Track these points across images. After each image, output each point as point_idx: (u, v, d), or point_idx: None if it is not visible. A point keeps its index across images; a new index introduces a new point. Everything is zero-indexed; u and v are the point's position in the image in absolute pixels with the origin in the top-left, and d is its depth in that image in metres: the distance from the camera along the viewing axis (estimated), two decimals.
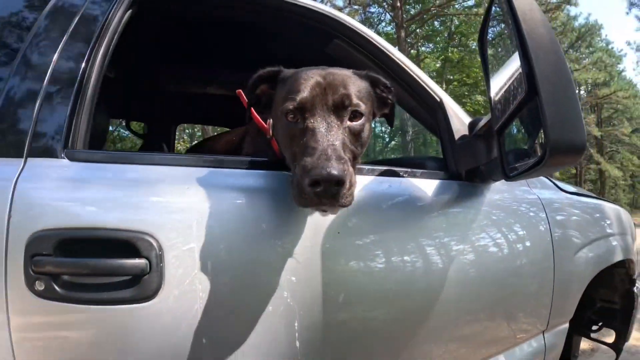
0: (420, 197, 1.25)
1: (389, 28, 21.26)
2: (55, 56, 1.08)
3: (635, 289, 2.39)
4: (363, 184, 1.16)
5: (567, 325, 1.87)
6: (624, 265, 2.35)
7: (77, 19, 1.14)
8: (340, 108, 0.97)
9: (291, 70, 1.09)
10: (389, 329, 1.24)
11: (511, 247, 1.49)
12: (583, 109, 28.97)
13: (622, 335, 2.45)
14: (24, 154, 0.98)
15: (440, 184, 1.31)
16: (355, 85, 1.03)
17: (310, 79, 0.99)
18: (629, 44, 37.45)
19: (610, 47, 29.50)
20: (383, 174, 1.24)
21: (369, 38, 1.47)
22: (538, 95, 0.92)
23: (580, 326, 2.49)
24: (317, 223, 1.07)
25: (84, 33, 1.13)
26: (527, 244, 1.56)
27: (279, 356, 1.04)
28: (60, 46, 1.10)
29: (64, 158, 0.99)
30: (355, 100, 0.98)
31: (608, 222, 2.21)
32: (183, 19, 1.84)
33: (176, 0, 1.53)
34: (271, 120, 1.18)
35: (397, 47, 1.84)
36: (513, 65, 1.07)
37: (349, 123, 0.98)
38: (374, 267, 1.17)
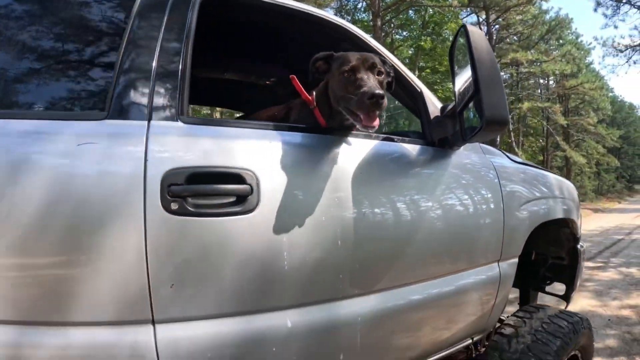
0: (407, 156, 1.84)
1: (364, 16, 21.70)
2: (159, 44, 1.47)
3: (579, 246, 2.93)
4: (371, 145, 1.73)
5: (516, 260, 2.39)
6: (568, 225, 2.90)
7: (167, 15, 1.52)
8: (372, 68, 1.57)
9: (340, 52, 1.67)
10: (377, 257, 1.73)
11: (470, 196, 2.05)
12: (550, 98, 29.80)
13: (570, 287, 3.00)
14: (147, 118, 1.34)
15: (421, 148, 1.88)
16: (377, 58, 1.64)
17: (355, 54, 1.60)
18: (595, 39, 38.46)
19: (579, 40, 30.41)
20: (384, 139, 1.81)
21: (368, 42, 1.98)
22: (479, 91, 1.54)
23: (536, 282, 3.08)
24: (337, 170, 1.59)
25: (177, 29, 1.52)
26: (483, 195, 2.10)
27: (325, 252, 1.54)
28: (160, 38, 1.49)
29: (178, 121, 1.37)
30: (379, 65, 1.60)
31: (551, 187, 2.75)
32: (224, 19, 2.15)
33: (227, 7, 1.91)
34: (315, 93, 1.76)
35: (372, 35, 2.33)
36: (467, 73, 1.67)
37: (377, 77, 1.57)
38: (376, 211, 1.69)
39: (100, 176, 1.26)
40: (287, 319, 1.48)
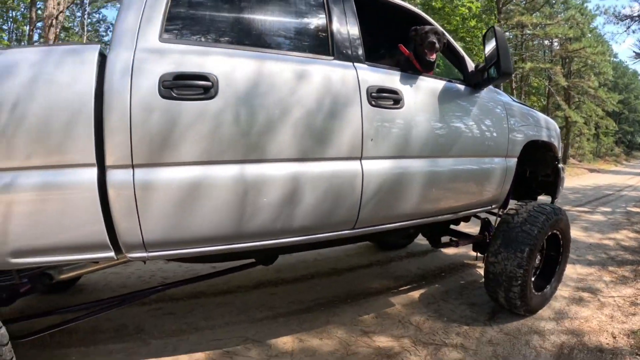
0: (459, 89, 3.31)
1: None
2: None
3: (559, 165, 4.29)
4: (441, 82, 3.17)
5: (516, 159, 3.69)
6: (552, 149, 4.21)
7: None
8: (436, 34, 3.05)
9: (422, 26, 3.09)
10: (437, 137, 3.00)
11: (490, 115, 3.52)
12: (553, 60, 30.75)
13: (554, 197, 4.41)
14: (352, 60, 2.65)
15: (464, 87, 3.37)
16: (439, 30, 3.11)
17: (429, 27, 3.08)
18: (598, 7, 38.79)
19: (585, 5, 31.02)
20: (447, 81, 3.24)
21: (434, 23, 3.34)
22: (499, 59, 3.08)
23: (529, 194, 4.57)
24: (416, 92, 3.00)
25: (351, 12, 2.77)
26: (496, 115, 3.53)
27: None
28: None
29: (365, 63, 2.71)
30: (439, 34, 3.09)
31: (538, 120, 4.12)
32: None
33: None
34: (411, 51, 3.07)
35: None
36: (490, 47, 3.23)
37: (437, 40, 3.05)
38: (430, 121, 3.00)
39: (333, 83, 2.54)
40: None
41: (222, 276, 3.41)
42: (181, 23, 2.33)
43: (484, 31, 20.34)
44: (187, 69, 2.16)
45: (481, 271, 4.73)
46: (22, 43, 32.97)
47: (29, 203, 1.98)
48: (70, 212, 2.01)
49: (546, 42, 32.18)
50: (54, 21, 12.42)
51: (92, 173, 2.00)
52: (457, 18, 19.24)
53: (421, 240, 5.89)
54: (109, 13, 37.35)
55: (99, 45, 2.13)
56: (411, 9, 3.40)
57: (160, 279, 4.47)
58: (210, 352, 2.97)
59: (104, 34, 35.55)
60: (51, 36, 12.26)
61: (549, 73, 28.96)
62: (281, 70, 2.40)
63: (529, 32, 26.91)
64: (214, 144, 2.18)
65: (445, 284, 4.47)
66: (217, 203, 2.21)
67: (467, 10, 19.01)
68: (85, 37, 24.92)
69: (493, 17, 22.30)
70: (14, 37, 28.92)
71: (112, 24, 34.74)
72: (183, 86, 2.12)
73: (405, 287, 4.38)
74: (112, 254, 2.12)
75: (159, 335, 3.23)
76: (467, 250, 5.43)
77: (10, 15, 28.44)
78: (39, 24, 16.50)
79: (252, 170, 2.28)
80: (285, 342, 3.15)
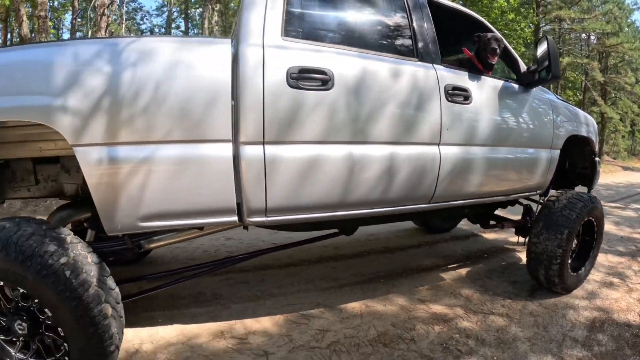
0: (514, 88, 3.79)
1: None
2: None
3: (595, 158, 4.76)
4: (500, 82, 3.66)
5: (559, 151, 4.12)
6: (589, 143, 4.64)
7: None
8: (496, 41, 3.56)
9: (485, 33, 3.60)
10: (474, 164, 3.39)
11: (539, 111, 3.99)
12: (590, 55, 30.55)
13: (590, 188, 4.76)
14: (432, 62, 3.14)
15: (518, 86, 3.84)
16: (498, 36, 3.60)
17: (490, 34, 3.57)
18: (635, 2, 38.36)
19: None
20: (505, 80, 3.73)
21: (493, 29, 3.81)
22: (550, 63, 3.58)
23: (568, 184, 4.93)
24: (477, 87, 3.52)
25: (427, 19, 3.25)
26: (544, 111, 4.02)
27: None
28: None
29: (440, 64, 3.22)
30: (499, 40, 3.58)
31: (578, 116, 4.59)
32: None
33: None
34: (473, 53, 3.64)
35: None
36: (541, 51, 3.72)
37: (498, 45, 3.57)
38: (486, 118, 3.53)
39: (419, 81, 3.02)
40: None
41: (292, 248, 3.93)
42: (297, 24, 2.76)
43: (522, 24, 20.65)
44: (309, 64, 2.62)
45: (520, 255, 5.21)
46: (61, 31, 33.91)
47: (166, 172, 2.36)
48: (204, 180, 2.42)
49: (583, 35, 32.03)
50: (105, 10, 13.03)
51: (228, 148, 2.44)
52: (496, 11, 19.47)
53: (463, 225, 6.38)
54: (146, 2, 38.10)
55: (229, 40, 2.56)
56: (474, 15, 3.91)
57: (226, 252, 5.06)
58: (288, 315, 3.49)
59: (140, 22, 36.32)
60: (103, 24, 12.88)
61: (586, 68, 28.91)
62: (380, 68, 2.89)
63: (566, 26, 26.91)
64: (328, 127, 2.66)
65: (488, 264, 4.94)
66: (328, 176, 2.68)
67: (505, 3, 19.16)
68: (123, 25, 25.57)
69: (531, 11, 22.35)
70: (53, 26, 29.77)
71: (148, 12, 35.42)
72: (306, 78, 2.59)
73: (452, 265, 4.87)
74: (235, 218, 2.55)
75: (237, 300, 3.76)
76: (505, 236, 5.99)
77: (50, 4, 29.23)
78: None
79: (357, 150, 2.77)
80: (354, 307, 3.67)
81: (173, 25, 36.12)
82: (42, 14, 12.62)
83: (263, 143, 2.49)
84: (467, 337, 3.21)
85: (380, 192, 2.92)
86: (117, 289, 2.40)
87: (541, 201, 4.37)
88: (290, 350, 2.95)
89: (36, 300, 2.25)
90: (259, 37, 2.56)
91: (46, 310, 2.24)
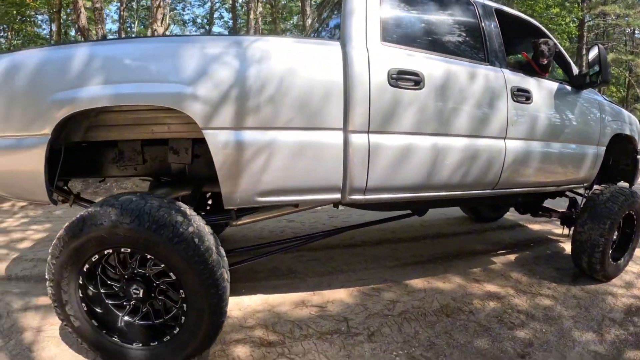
0: (566, 89, 4.18)
1: None
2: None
3: (638, 156, 5.01)
4: (555, 84, 4.05)
5: (604, 148, 4.44)
6: (632, 142, 4.96)
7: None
8: (550, 45, 3.98)
9: (539, 39, 4.01)
10: (532, 156, 3.77)
11: (589, 110, 4.38)
12: (634, 52, 30.12)
13: (631, 184, 5.04)
14: (503, 66, 3.60)
15: (570, 88, 4.23)
16: (552, 42, 4.01)
17: (544, 40, 3.99)
18: None
19: None
20: (559, 82, 4.14)
21: (548, 34, 4.22)
22: (601, 69, 4.01)
23: (611, 179, 5.21)
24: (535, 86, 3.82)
25: (495, 28, 3.69)
26: (593, 110, 4.39)
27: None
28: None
29: (507, 68, 3.65)
30: (553, 44, 4.00)
31: (623, 116, 4.92)
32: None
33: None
34: (531, 56, 4.08)
35: None
36: (593, 56, 4.14)
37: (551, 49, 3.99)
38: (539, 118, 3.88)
39: (490, 83, 3.43)
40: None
41: (364, 227, 4.49)
42: (392, 31, 3.17)
43: (567, 19, 20.66)
44: (405, 67, 3.04)
45: (563, 245, 5.60)
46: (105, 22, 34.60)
47: (286, 154, 2.73)
48: (318, 162, 2.82)
49: (627, 30, 31.60)
50: (161, 2, 13.58)
51: (339, 135, 2.86)
52: (541, 4, 19.49)
53: (508, 216, 6.80)
54: None
55: (338, 42, 2.94)
56: (532, 21, 4.31)
57: (291, 233, 5.63)
58: (360, 288, 3.99)
59: (183, 12, 36.89)
60: (159, 16, 13.42)
61: (630, 64, 28.61)
62: (460, 71, 3.30)
63: (611, 21, 26.66)
64: (419, 121, 3.09)
65: (535, 252, 5.33)
66: (417, 162, 3.12)
67: None
68: (168, 17, 26.22)
69: (576, 5, 22.28)
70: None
71: (190, 2, 35.93)
72: (403, 79, 3.00)
73: (502, 251, 5.30)
74: (338, 196, 2.97)
75: (311, 275, 4.28)
76: (549, 228, 6.39)
77: None
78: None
79: (441, 141, 3.20)
80: (417, 283, 4.16)
81: (216, 14, 36.57)
82: (98, 5, 13.33)
83: (368, 132, 2.92)
84: (518, 313, 3.65)
85: (457, 178, 3.35)
86: (226, 257, 2.70)
87: (586, 194, 4.72)
88: (366, 317, 3.45)
89: (162, 265, 2.54)
90: (363, 41, 2.95)
91: (171, 274, 2.53)
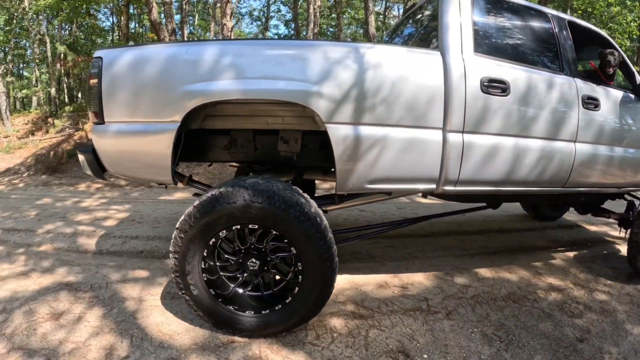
0: (630, 97, 4.42)
1: None
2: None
3: None
4: (620, 92, 4.31)
5: None
6: None
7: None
8: (616, 55, 4.29)
9: (606, 49, 4.35)
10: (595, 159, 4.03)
11: None
12: None
13: None
14: (573, 75, 3.87)
15: (634, 96, 4.46)
16: (617, 53, 4.33)
17: (609, 51, 4.31)
18: None
19: None
20: (624, 91, 4.40)
21: (614, 43, 4.53)
22: None
23: None
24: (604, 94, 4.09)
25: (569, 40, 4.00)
26: None
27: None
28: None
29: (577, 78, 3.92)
30: (618, 54, 4.31)
31: None
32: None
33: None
34: (598, 65, 4.39)
35: None
36: None
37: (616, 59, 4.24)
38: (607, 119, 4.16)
39: (564, 91, 3.76)
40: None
41: (433, 219, 4.93)
42: (482, 43, 3.51)
43: (628, 18, 20.37)
44: (494, 75, 3.39)
45: (618, 247, 5.90)
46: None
47: (395, 148, 3.11)
48: (421, 156, 3.19)
49: None
50: None
51: (439, 134, 3.22)
52: (601, 3, 19.29)
53: (567, 217, 7.17)
54: None
55: (438, 52, 3.30)
56: (601, 33, 4.62)
57: (364, 221, 6.19)
58: (435, 273, 4.48)
59: (240, 5, 37.31)
60: (228, 11, 13.77)
61: None
62: (539, 80, 3.63)
63: None
64: (504, 124, 3.44)
65: (592, 251, 5.67)
66: (501, 160, 3.47)
67: None
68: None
69: (638, 4, 21.95)
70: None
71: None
72: (492, 86, 3.36)
73: (561, 249, 5.69)
74: (433, 186, 3.34)
75: (389, 259, 4.79)
76: (605, 230, 6.72)
77: None
78: None
79: (522, 142, 3.54)
80: (485, 271, 4.61)
81: (273, 7, 36.97)
82: (168, 0, 14.11)
83: (462, 132, 3.29)
84: (577, 304, 4.04)
85: (533, 175, 3.67)
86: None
87: None
88: (443, 298, 3.92)
89: (285, 240, 2.87)
90: (459, 52, 3.33)
91: (292, 248, 2.87)
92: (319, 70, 3.01)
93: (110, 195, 9.51)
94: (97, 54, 3.19)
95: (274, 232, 2.89)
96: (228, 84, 2.97)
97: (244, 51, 3.07)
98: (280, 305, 3.04)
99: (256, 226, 2.89)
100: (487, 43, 3.59)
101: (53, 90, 20.46)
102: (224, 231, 2.91)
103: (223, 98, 2.98)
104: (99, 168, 3.42)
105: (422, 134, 3.21)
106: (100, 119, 3.18)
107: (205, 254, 2.95)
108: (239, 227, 2.91)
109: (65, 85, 24.28)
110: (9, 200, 8.88)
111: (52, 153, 13.75)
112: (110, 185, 10.94)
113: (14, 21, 23.11)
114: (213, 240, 2.93)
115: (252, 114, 3.33)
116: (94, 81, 3.13)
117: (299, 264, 2.92)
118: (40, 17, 22.52)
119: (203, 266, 2.97)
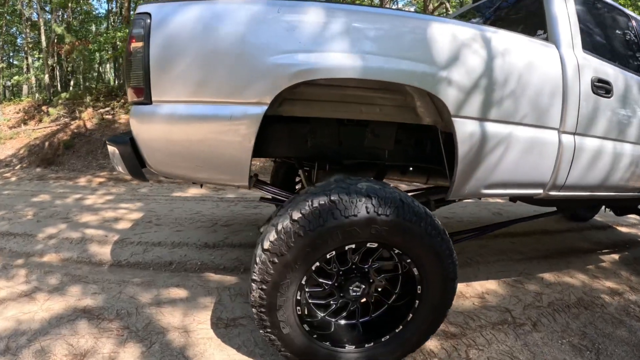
0: None
1: None
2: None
3: None
4: None
5: None
6: None
7: None
8: None
9: None
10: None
11: None
12: None
13: None
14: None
15: None
16: None
17: None
18: None
19: None
20: None
21: None
22: None
23: None
24: None
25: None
26: None
27: None
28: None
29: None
30: None
31: None
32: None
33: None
34: None
35: None
36: None
37: None
38: None
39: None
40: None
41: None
42: (588, 40, 3.33)
43: None
44: (601, 76, 3.25)
45: None
46: None
47: (517, 149, 2.82)
48: (539, 159, 2.95)
49: None
50: None
51: (556, 135, 3.00)
52: None
53: (597, 217, 7.43)
54: None
55: (553, 44, 3.07)
56: None
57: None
58: (505, 280, 4.52)
59: None
60: None
61: None
62: (633, 83, 3.54)
63: None
64: (607, 127, 3.32)
65: (633, 252, 5.87)
66: (602, 164, 3.37)
67: None
68: None
69: None
70: None
71: None
72: (599, 87, 3.21)
73: (605, 250, 5.88)
74: (540, 191, 3.14)
75: (460, 264, 4.77)
76: (636, 231, 6.97)
77: None
78: None
79: (618, 146, 3.46)
80: (549, 277, 4.73)
81: None
82: None
83: (574, 134, 3.10)
84: (638, 307, 4.21)
85: (625, 180, 3.64)
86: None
87: None
88: (524, 308, 3.99)
89: (408, 260, 2.44)
90: (571, 48, 3.12)
91: (414, 269, 2.46)
92: (447, 52, 2.56)
93: (115, 191, 8.85)
94: (142, 8, 2.44)
95: (397, 251, 2.45)
96: (342, 59, 2.39)
97: (359, 18, 2.47)
98: (388, 336, 2.63)
99: (375, 244, 2.41)
100: (591, 41, 3.42)
101: (47, 77, 20.03)
102: (333, 252, 2.38)
103: (330, 76, 2.38)
104: (137, 164, 2.64)
105: (542, 134, 2.97)
106: (145, 98, 2.45)
107: (303, 282, 2.42)
108: (353, 246, 2.40)
109: (58, 72, 23.80)
110: (1, 197, 8.06)
111: (47, 144, 13.39)
112: (114, 180, 10.36)
113: (5, 6, 22.50)
114: (317, 264, 2.40)
115: (343, 99, 2.83)
116: (137, 45, 2.41)
117: (419, 286, 2.53)
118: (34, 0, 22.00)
119: (298, 297, 2.44)
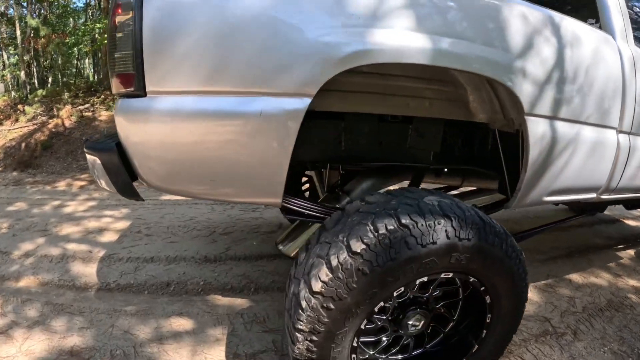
0: None
1: None
2: None
3: None
4: None
5: None
6: None
7: None
8: None
9: None
10: None
11: None
12: None
13: None
14: None
15: None
16: None
17: None
18: None
19: None
20: None
21: None
22: None
23: None
24: None
25: None
26: None
27: None
28: None
29: None
30: None
31: None
32: None
33: None
34: None
35: None
36: None
37: None
38: None
39: None
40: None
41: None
42: (636, 34, 2.96)
43: None
44: None
45: None
46: None
47: (584, 151, 2.62)
48: (600, 161, 2.79)
49: None
50: None
51: (614, 134, 2.81)
52: None
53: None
54: None
55: (610, 35, 2.78)
56: None
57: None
58: (535, 283, 4.35)
59: None
60: None
61: None
62: None
63: None
64: None
65: None
66: None
67: None
68: None
69: None
70: None
71: None
72: None
73: (620, 246, 5.89)
74: (594, 195, 2.97)
75: None
76: None
77: None
78: None
79: None
80: (575, 278, 4.72)
81: None
82: None
83: (629, 134, 2.89)
84: None
85: None
86: None
87: None
88: (561, 314, 3.98)
89: (482, 288, 2.15)
90: (626, 41, 2.85)
91: (487, 297, 2.18)
92: (521, 38, 2.21)
93: (98, 195, 7.89)
94: None
95: (472, 279, 2.13)
96: (410, 39, 1.91)
97: None
98: None
99: (450, 274, 2.05)
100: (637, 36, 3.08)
101: (23, 74, 19.45)
102: (401, 289, 1.97)
103: (396, 60, 1.90)
104: (127, 178, 1.99)
105: (603, 134, 2.75)
106: (135, 88, 1.82)
107: (362, 327, 1.99)
108: (425, 279, 2.01)
109: (35, 69, 23.12)
110: None
111: (23, 145, 12.82)
112: (96, 183, 9.44)
113: None
114: (381, 304, 1.99)
115: (387, 92, 2.42)
116: (122, 18, 1.78)
117: (489, 315, 2.25)
118: None
119: (354, 344, 2.02)
